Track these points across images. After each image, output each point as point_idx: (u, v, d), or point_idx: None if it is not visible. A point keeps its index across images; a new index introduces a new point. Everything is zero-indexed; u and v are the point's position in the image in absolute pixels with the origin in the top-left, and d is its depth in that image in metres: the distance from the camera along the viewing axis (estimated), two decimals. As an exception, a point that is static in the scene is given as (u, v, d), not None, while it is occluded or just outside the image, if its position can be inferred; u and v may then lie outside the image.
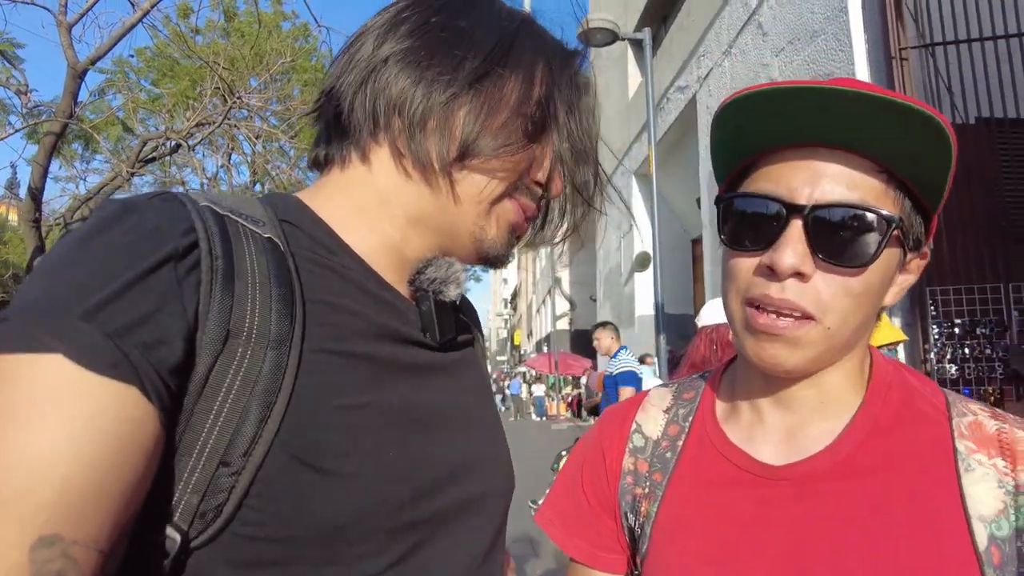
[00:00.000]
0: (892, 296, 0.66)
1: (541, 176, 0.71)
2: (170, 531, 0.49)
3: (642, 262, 11.89)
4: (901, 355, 6.02)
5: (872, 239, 0.58)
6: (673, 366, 9.40)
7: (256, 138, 8.95)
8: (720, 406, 0.75)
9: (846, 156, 0.58)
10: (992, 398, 5.52)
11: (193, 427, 0.49)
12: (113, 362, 0.43)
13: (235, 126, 8.32)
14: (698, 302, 11.83)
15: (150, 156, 7.29)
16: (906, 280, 0.67)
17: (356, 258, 0.65)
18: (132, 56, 12.02)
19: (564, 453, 7.77)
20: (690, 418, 0.76)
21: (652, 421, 0.78)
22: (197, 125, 7.28)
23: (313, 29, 13.59)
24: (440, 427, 0.67)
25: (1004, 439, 0.60)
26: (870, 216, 0.57)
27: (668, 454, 0.74)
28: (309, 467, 0.53)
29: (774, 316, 0.60)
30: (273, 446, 0.52)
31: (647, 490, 0.73)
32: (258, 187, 13.00)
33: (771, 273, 0.59)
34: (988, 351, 5.56)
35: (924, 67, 6.36)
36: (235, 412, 0.50)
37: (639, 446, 0.77)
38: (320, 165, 0.72)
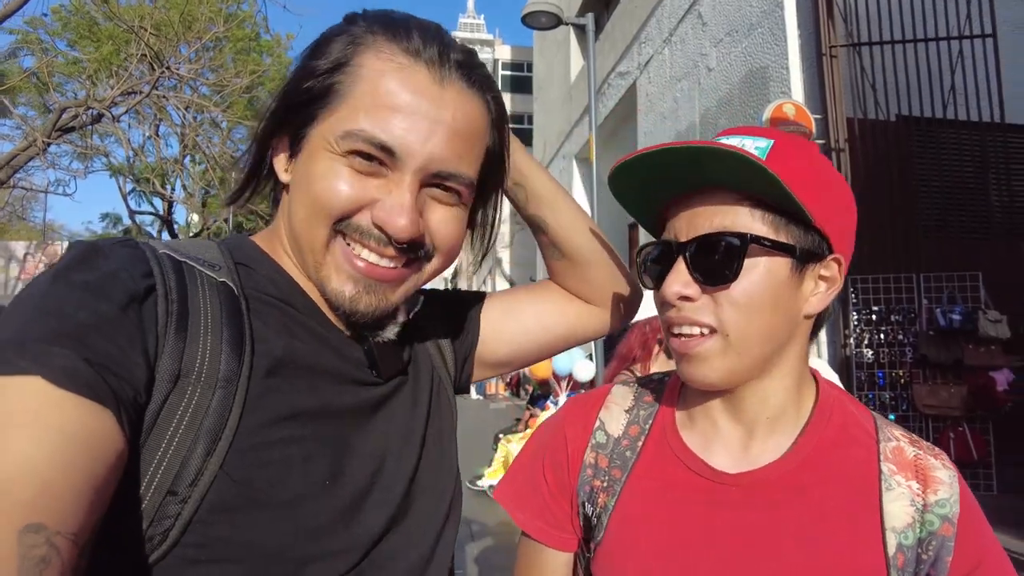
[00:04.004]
0: (815, 303, 0.74)
1: (381, 217, 0.64)
2: (129, 553, 0.52)
3: (581, 245, 12.04)
4: (822, 339, 6.34)
5: (732, 256, 0.68)
6: (608, 347, 9.59)
7: (186, 109, 8.55)
8: (679, 412, 0.83)
9: (714, 194, 0.70)
10: (902, 380, 5.90)
11: (145, 457, 0.53)
12: (91, 385, 0.47)
13: (164, 96, 7.92)
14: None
15: (69, 125, 6.85)
16: (829, 287, 0.74)
17: (305, 297, 0.69)
18: (46, 15, 11.22)
19: (501, 436, 7.85)
20: (650, 421, 0.83)
21: (615, 420, 0.85)
22: (122, 94, 6.89)
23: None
24: (384, 456, 0.70)
25: (920, 465, 0.73)
26: (726, 238, 0.68)
27: (628, 453, 0.81)
28: (248, 496, 0.57)
29: (684, 339, 0.71)
30: (218, 477, 0.56)
31: (605, 484, 0.80)
32: (188, 160, 12.44)
33: (663, 301, 0.71)
34: (900, 337, 5.93)
35: (852, 65, 6.65)
36: (183, 446, 0.54)
37: (601, 442, 0.83)
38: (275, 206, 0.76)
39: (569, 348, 1.02)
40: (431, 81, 0.65)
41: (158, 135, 11.54)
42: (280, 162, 0.70)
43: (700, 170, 0.68)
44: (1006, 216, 6.67)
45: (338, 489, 0.64)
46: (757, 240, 0.68)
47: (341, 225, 0.65)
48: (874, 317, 6.00)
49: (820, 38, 6.56)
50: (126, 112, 7.68)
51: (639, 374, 2.46)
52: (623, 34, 10.74)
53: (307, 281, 0.69)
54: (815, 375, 0.81)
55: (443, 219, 0.69)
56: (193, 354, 0.56)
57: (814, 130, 6.33)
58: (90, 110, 6.66)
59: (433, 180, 0.67)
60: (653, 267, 0.75)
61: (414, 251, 0.68)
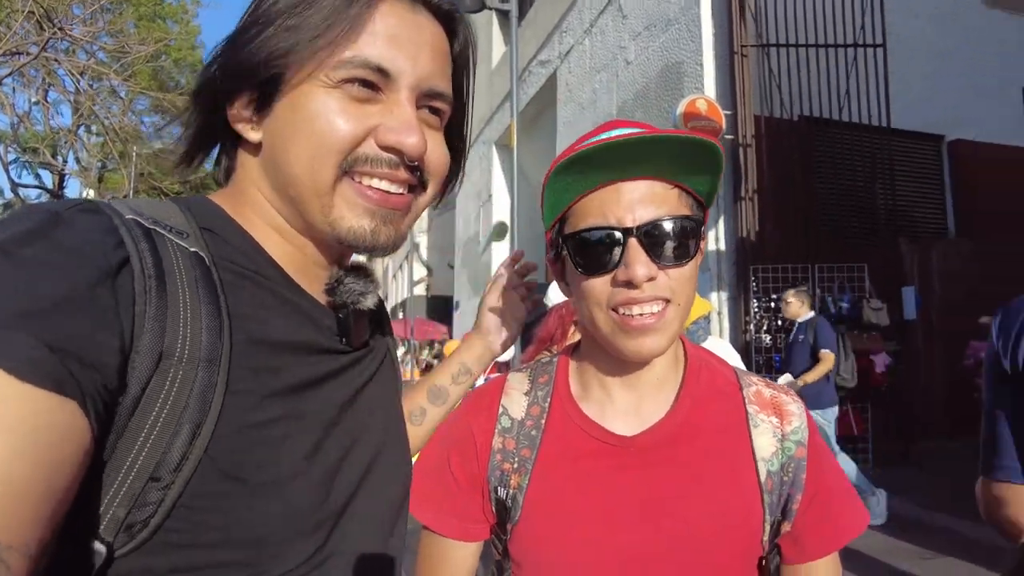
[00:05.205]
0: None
1: (392, 138, 0.64)
2: (95, 544, 0.50)
3: (500, 232, 12.11)
4: (725, 326, 6.70)
5: (690, 238, 0.77)
6: (525, 330, 9.77)
7: (80, 74, 7.92)
8: (574, 387, 0.89)
9: (645, 183, 0.76)
10: (797, 364, 6.33)
11: (124, 444, 0.50)
12: (54, 376, 0.43)
13: (54, 59, 7.30)
14: (549, 273, 12.23)
15: (-58, 85, 6.22)
16: (699, 255, 0.83)
17: (274, 265, 0.66)
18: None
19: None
20: (548, 399, 0.89)
21: (516, 404, 0.89)
22: (5, 54, 6.31)
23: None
24: (353, 426, 0.70)
25: (776, 402, 0.86)
26: (682, 223, 0.76)
27: (534, 432, 0.86)
28: (234, 479, 0.55)
29: (644, 316, 0.75)
30: (202, 461, 0.53)
31: (516, 465, 0.84)
32: (83, 130, 11.56)
33: (628, 284, 0.74)
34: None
35: (760, 65, 7.00)
36: (166, 430, 0.51)
37: (507, 427, 0.87)
38: (227, 176, 0.72)
39: None
40: (405, 8, 0.66)
41: (47, 101, 10.64)
42: (242, 122, 0.66)
43: (646, 159, 0.74)
44: (890, 213, 7.25)
45: (317, 465, 0.63)
46: (701, 221, 0.79)
47: (347, 161, 0.63)
48: (772, 304, 6.39)
49: (732, 37, 6.85)
50: (10, 75, 7.06)
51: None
52: (545, 22, 10.83)
53: (279, 245, 0.67)
54: (681, 338, 0.90)
55: (434, 143, 0.69)
56: (175, 334, 0.52)
57: (724, 126, 6.63)
58: (-33, 70, 6.07)
59: (423, 100, 0.68)
60: (591, 253, 0.77)
61: (418, 173, 0.68)
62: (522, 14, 11.21)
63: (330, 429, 0.66)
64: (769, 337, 6.45)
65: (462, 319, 16.10)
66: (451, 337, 15.59)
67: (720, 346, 3.36)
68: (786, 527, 0.82)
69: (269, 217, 0.68)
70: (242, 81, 0.64)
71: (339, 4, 0.63)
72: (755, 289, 6.40)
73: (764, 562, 0.83)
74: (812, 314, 5.51)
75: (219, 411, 0.54)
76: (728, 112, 6.72)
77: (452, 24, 0.73)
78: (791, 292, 5.57)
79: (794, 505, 0.82)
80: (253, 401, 0.58)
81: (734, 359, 2.81)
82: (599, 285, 0.77)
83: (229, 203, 0.68)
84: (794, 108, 6.97)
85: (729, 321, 6.71)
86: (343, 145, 0.63)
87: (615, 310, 0.76)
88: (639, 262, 0.73)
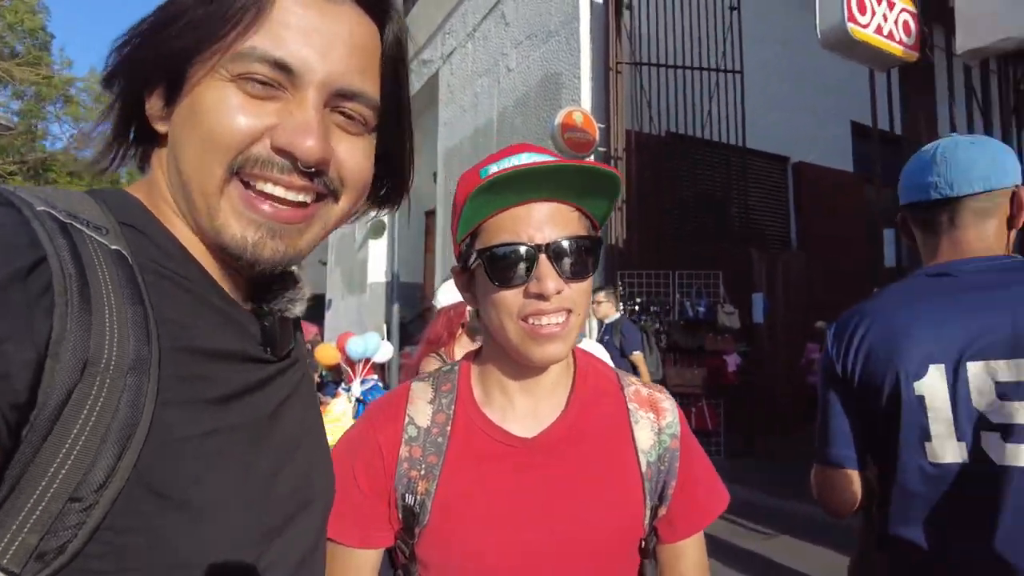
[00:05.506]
0: None
1: (283, 140, 0.58)
2: None
3: (377, 229, 11.90)
4: (594, 327, 7.01)
5: (592, 255, 0.85)
6: (404, 332, 9.79)
7: None
8: (477, 393, 0.94)
9: (551, 204, 0.83)
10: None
11: (39, 463, 0.45)
12: None
13: None
14: (428, 272, 12.24)
15: None
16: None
17: (198, 267, 0.61)
18: None
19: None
20: (452, 406, 0.93)
21: (421, 413, 0.92)
22: None
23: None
24: (281, 439, 0.66)
25: (652, 399, 0.97)
26: (583, 242, 0.83)
27: (440, 439, 0.90)
28: (163, 497, 0.51)
29: (551, 325, 0.82)
30: (130, 479, 0.48)
31: (423, 472, 0.88)
32: None
33: (539, 296, 0.81)
34: (657, 326, 6.77)
35: (633, 81, 7.40)
36: (91, 445, 0.46)
37: (413, 436, 0.90)
38: (144, 162, 0.66)
39: None
40: None
41: None
42: (154, 114, 0.61)
43: (554, 183, 0.81)
44: (742, 225, 7.92)
45: (252, 481, 0.60)
46: (599, 241, 0.88)
47: (237, 162, 0.58)
48: (637, 307, 6.78)
49: (608, 53, 7.19)
50: None
51: (444, 356, 2.60)
52: (428, 21, 10.79)
53: (198, 245, 0.62)
54: None
55: (350, 149, 0.63)
56: (101, 340, 0.47)
57: (597, 138, 6.94)
58: None
59: (336, 101, 0.61)
60: (504, 266, 0.82)
61: (321, 181, 0.61)
62: (405, 11, 11.10)
63: (261, 442, 0.62)
64: (634, 339, 6.82)
65: (335, 318, 15.62)
66: (323, 339, 15.02)
67: (594, 348, 3.54)
68: (662, 511, 0.92)
69: (182, 214, 0.62)
70: (151, 73, 0.59)
71: None
72: (622, 293, 6.74)
73: (644, 543, 0.92)
74: (618, 315, 5.90)
75: (149, 424, 0.50)
76: (602, 125, 7.04)
77: (382, 16, 0.66)
78: (602, 292, 5.82)
79: (669, 491, 0.92)
80: (184, 413, 0.53)
81: (606, 360, 2.99)
82: (510, 296, 0.82)
83: (146, 196, 0.62)
84: (662, 124, 7.43)
85: (597, 322, 7.03)
86: (232, 142, 0.57)
87: (524, 320, 0.82)
88: (549, 276, 0.80)
